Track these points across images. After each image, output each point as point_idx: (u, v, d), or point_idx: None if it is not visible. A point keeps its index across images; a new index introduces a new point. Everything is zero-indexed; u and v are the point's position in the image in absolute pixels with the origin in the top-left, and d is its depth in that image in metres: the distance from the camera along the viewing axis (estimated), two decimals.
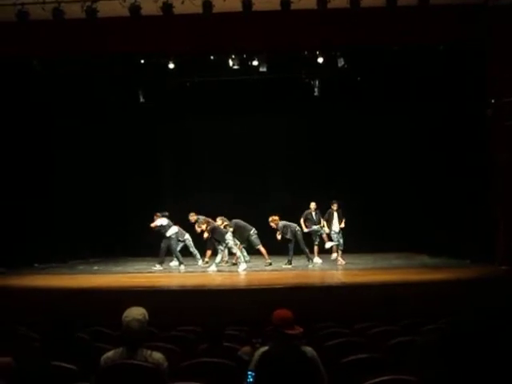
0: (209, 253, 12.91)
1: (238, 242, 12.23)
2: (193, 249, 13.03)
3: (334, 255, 12.56)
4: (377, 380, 3.59)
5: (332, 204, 12.60)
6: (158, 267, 12.21)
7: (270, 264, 12.07)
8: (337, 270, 11.57)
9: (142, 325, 4.01)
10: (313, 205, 12.79)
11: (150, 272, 11.84)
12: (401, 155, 14.02)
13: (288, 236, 12.09)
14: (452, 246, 11.92)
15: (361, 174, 14.49)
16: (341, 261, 12.29)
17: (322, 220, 12.71)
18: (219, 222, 12.14)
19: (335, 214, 12.55)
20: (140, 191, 15.00)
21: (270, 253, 12.33)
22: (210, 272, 11.57)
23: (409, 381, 3.59)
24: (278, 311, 4.03)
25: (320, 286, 9.43)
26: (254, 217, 12.95)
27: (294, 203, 13.63)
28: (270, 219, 12.18)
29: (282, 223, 12.16)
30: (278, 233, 12.16)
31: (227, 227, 12.07)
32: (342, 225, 12.51)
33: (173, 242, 12.46)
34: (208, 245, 12.85)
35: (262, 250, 12.26)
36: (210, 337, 5.00)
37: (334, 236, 12.48)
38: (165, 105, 14.43)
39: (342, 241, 12.51)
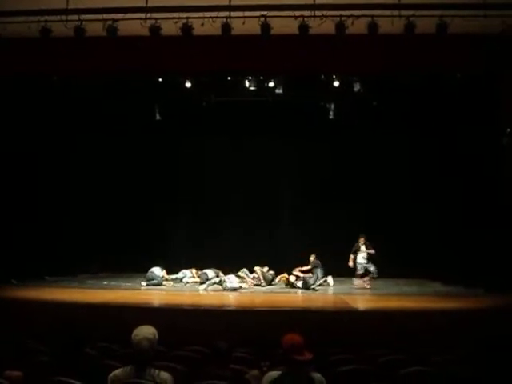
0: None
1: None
2: None
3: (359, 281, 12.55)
4: None
5: (359, 238, 12.62)
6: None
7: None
8: (346, 294, 11.46)
9: (151, 344, 4.00)
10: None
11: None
12: (415, 181, 13.93)
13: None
14: (466, 274, 11.77)
15: (373, 198, 14.39)
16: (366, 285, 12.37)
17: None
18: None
19: (362, 247, 12.57)
20: (151, 207, 15.06)
21: None
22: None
23: None
24: (287, 336, 3.96)
25: (329, 311, 9.36)
26: (263, 233, 13.32)
27: (304, 226, 13.68)
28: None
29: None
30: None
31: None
32: (372, 251, 12.53)
33: None
34: None
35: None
36: (218, 358, 4.98)
37: (360, 266, 12.53)
38: (181, 123, 14.54)
39: (372, 269, 12.45)
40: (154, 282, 12.26)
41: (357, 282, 12.52)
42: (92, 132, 13.86)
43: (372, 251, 12.49)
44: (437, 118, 12.98)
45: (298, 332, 4.06)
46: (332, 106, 13.57)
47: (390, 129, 14.00)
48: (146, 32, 9.68)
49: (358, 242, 12.64)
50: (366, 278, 12.37)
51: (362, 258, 12.52)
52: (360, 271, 12.46)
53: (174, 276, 13.02)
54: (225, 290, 11.61)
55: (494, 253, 10.89)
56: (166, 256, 13.87)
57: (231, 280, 11.86)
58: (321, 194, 14.80)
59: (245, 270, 12.75)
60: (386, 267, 13.10)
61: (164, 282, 12.43)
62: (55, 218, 12.93)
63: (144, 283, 12.19)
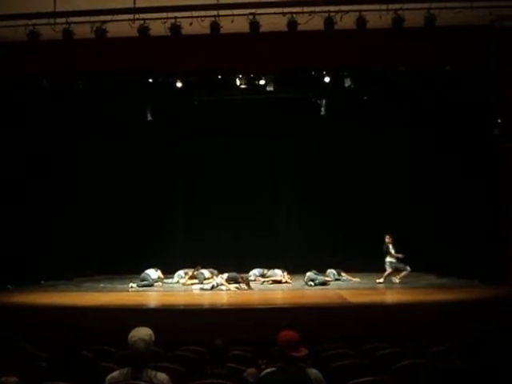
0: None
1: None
2: None
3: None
4: None
5: (385, 237, 12.28)
6: None
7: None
8: (341, 289, 11.45)
9: (147, 345, 4.00)
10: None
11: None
12: (408, 175, 13.95)
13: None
14: (461, 265, 11.80)
15: (369, 193, 14.41)
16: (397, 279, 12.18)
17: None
18: None
19: (390, 246, 12.21)
20: (146, 208, 15.04)
21: None
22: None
23: None
24: (283, 333, 3.99)
25: (326, 306, 9.36)
26: (262, 230, 13.34)
27: (301, 223, 13.66)
28: None
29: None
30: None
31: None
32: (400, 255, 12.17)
33: None
34: None
35: None
36: (215, 357, 4.99)
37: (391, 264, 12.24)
38: (172, 123, 14.51)
39: (399, 266, 12.17)
40: (145, 283, 12.15)
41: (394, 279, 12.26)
42: (84, 135, 13.79)
43: (400, 255, 12.06)
44: (428, 111, 12.99)
45: (294, 328, 4.08)
46: (323, 102, 13.57)
47: (381, 122, 14.00)
48: (134, 33, 9.66)
49: (384, 242, 12.17)
50: (404, 273, 12.08)
51: (391, 257, 12.16)
52: (389, 270, 12.18)
53: (169, 277, 12.96)
54: (213, 288, 11.60)
55: (489, 244, 10.94)
56: (164, 257, 13.88)
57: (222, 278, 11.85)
58: (316, 189, 14.83)
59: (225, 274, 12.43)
60: (380, 260, 13.12)
61: (155, 284, 12.32)
62: (50, 221, 12.88)
63: (133, 284, 12.04)
